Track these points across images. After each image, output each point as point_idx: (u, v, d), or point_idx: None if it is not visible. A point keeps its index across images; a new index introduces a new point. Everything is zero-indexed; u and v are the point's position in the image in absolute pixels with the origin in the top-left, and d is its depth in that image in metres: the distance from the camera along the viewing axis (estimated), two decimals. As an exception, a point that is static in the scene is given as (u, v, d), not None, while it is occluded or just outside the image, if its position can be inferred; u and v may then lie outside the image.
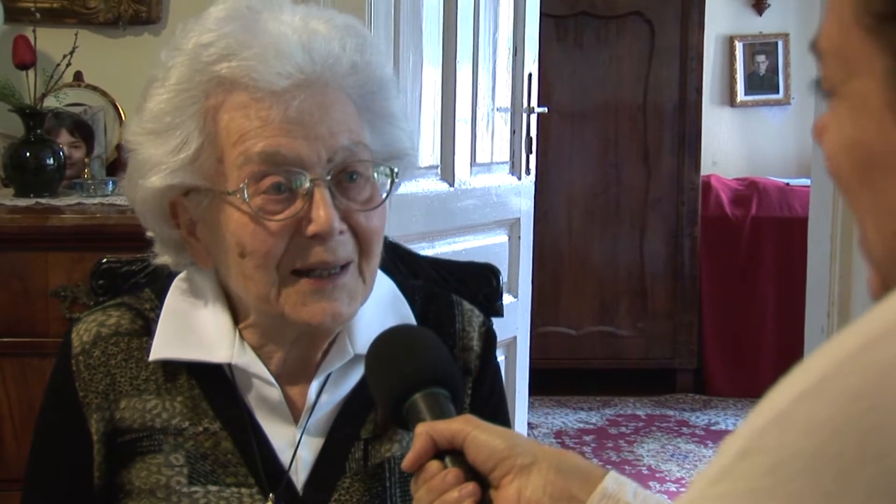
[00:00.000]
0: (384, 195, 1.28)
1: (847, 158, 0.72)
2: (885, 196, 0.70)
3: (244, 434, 1.31)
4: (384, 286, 1.39)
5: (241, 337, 1.31)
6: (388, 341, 1.18)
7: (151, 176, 1.26)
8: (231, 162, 1.23)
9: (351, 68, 1.26)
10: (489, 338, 1.43)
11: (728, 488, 0.63)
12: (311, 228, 1.22)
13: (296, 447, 1.32)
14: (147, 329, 1.34)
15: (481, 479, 1.04)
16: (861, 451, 0.59)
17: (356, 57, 1.26)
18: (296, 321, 1.26)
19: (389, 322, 1.35)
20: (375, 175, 1.28)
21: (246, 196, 1.22)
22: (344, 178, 1.25)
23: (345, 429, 1.34)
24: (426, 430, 1.06)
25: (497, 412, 1.43)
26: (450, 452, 1.05)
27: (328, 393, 1.33)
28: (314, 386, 1.32)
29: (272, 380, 1.31)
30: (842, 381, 0.61)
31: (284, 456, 1.32)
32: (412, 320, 1.37)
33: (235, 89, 1.22)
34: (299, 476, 1.32)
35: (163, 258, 1.35)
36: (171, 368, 1.33)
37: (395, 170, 1.29)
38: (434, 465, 1.05)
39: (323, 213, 1.21)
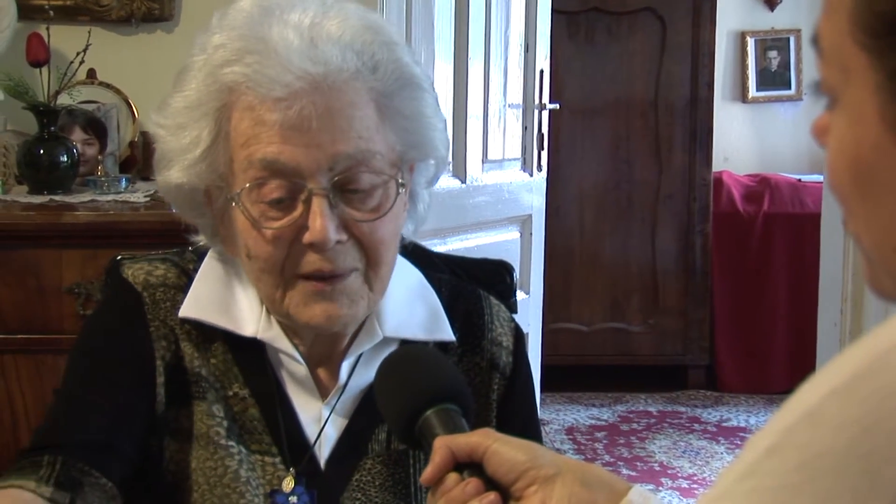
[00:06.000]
0: (391, 205, 1.26)
1: (845, 169, 0.72)
2: (881, 210, 0.71)
3: (270, 404, 1.32)
4: (412, 276, 1.40)
5: (269, 312, 1.32)
6: (396, 361, 1.18)
7: (170, 170, 1.28)
8: (238, 164, 1.23)
9: (365, 68, 1.23)
10: (519, 334, 1.44)
11: (756, 484, 0.63)
12: (307, 238, 1.22)
13: (323, 424, 1.33)
14: (191, 285, 1.35)
15: (500, 492, 1.03)
16: (890, 450, 0.59)
17: (370, 56, 1.23)
18: (298, 321, 1.27)
19: (418, 309, 1.37)
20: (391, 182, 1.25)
21: (246, 203, 1.23)
22: (348, 187, 1.23)
23: (371, 410, 1.33)
24: (445, 444, 1.05)
25: (531, 415, 1.44)
26: (468, 466, 1.04)
27: (358, 374, 1.34)
28: (345, 366, 1.33)
29: (297, 356, 1.32)
30: (872, 379, 0.62)
31: (310, 431, 1.33)
32: (440, 309, 1.38)
33: (242, 93, 1.22)
34: (322, 453, 1.33)
35: (201, 238, 1.36)
36: (209, 331, 1.33)
37: (401, 181, 1.27)
38: (453, 476, 1.04)
39: (318, 223, 1.21)
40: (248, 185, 1.22)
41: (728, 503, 0.64)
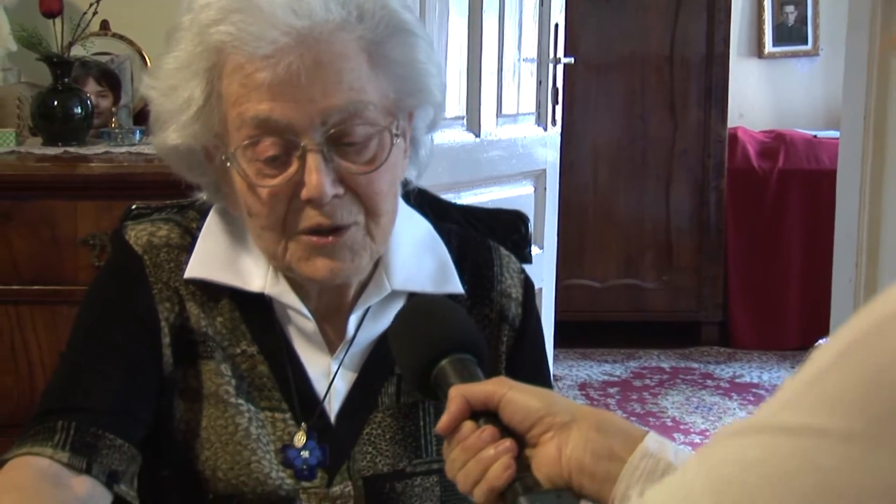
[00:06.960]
0: (387, 155, 1.24)
1: None
2: None
3: (279, 360, 1.32)
4: (421, 227, 1.40)
5: (275, 268, 1.32)
6: (411, 312, 1.18)
7: (165, 131, 1.27)
8: (231, 123, 1.23)
9: (351, 17, 1.21)
10: (528, 286, 1.43)
11: (788, 418, 0.63)
12: (304, 194, 1.21)
13: (332, 379, 1.33)
14: (195, 245, 1.34)
15: (516, 439, 1.03)
16: None
17: (355, 5, 1.21)
18: (301, 275, 1.27)
19: (427, 261, 1.36)
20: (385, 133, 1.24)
21: (241, 162, 1.22)
22: (343, 140, 1.22)
23: (379, 363, 1.34)
24: (461, 393, 1.05)
25: (540, 364, 1.44)
26: (483, 414, 1.04)
27: (366, 328, 1.34)
28: (353, 319, 1.34)
29: (305, 311, 1.32)
30: None
31: (320, 386, 1.33)
32: (449, 261, 1.37)
33: (231, 52, 1.21)
34: (332, 407, 1.34)
35: (204, 195, 1.36)
36: (215, 289, 1.33)
37: (396, 131, 1.26)
38: (468, 425, 1.04)
39: (314, 178, 1.20)
40: (242, 143, 1.22)
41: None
